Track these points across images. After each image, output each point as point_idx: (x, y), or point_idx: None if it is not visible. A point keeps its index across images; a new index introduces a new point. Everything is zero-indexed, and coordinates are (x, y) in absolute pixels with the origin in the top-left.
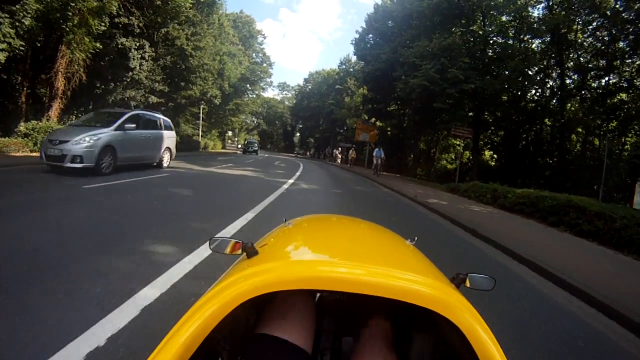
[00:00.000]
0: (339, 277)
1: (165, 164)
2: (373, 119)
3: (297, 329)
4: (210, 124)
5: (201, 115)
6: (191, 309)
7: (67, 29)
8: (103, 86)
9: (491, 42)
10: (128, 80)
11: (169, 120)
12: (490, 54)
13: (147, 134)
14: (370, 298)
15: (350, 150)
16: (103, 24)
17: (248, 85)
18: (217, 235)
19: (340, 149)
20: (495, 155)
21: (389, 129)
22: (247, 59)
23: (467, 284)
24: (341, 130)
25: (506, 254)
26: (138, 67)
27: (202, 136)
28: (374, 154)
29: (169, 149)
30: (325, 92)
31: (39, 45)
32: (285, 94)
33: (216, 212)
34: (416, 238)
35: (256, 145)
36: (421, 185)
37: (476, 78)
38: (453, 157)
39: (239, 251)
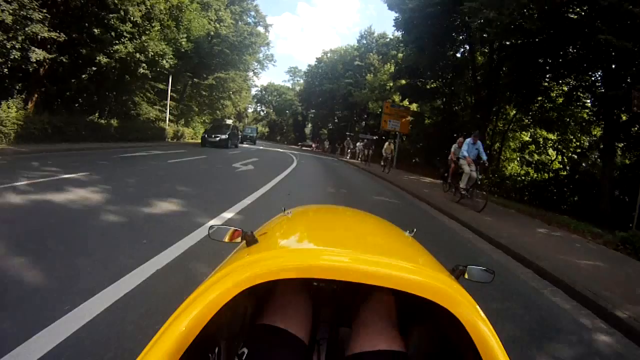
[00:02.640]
0: (339, 266)
1: None
2: (406, 102)
3: (295, 319)
4: (188, 107)
5: (169, 92)
6: (191, 296)
7: None
8: None
9: None
10: None
11: None
12: None
13: None
14: (367, 288)
15: (388, 143)
16: None
17: (235, 55)
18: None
19: (365, 141)
20: None
21: (427, 116)
22: (230, 15)
23: (466, 276)
24: (362, 118)
25: None
26: None
27: (173, 122)
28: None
29: None
30: (341, 72)
31: None
32: (297, 80)
33: None
34: (415, 230)
35: (254, 132)
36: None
37: None
38: (530, 157)
39: (239, 239)
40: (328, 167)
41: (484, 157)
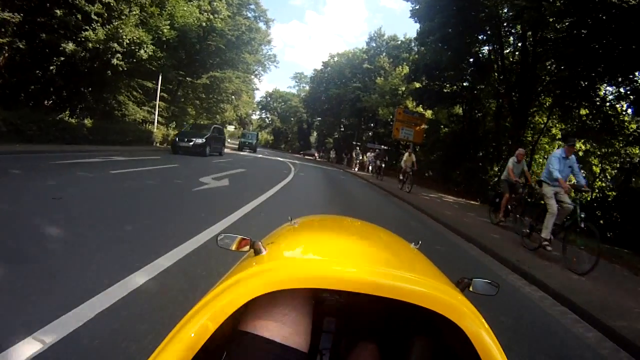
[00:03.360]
0: (347, 278)
1: None
2: (420, 108)
3: (288, 328)
4: (183, 109)
5: (158, 92)
6: (198, 304)
7: None
8: None
9: None
10: None
11: None
12: None
13: None
14: (371, 299)
15: (408, 154)
16: None
17: (233, 53)
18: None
19: (377, 151)
20: None
21: (444, 123)
22: (225, 6)
23: (471, 288)
24: (370, 126)
25: None
26: None
27: (164, 125)
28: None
29: None
30: (349, 77)
31: None
32: (303, 86)
33: None
34: (420, 242)
35: (253, 139)
36: None
37: None
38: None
39: (246, 248)
40: (332, 181)
41: (582, 180)
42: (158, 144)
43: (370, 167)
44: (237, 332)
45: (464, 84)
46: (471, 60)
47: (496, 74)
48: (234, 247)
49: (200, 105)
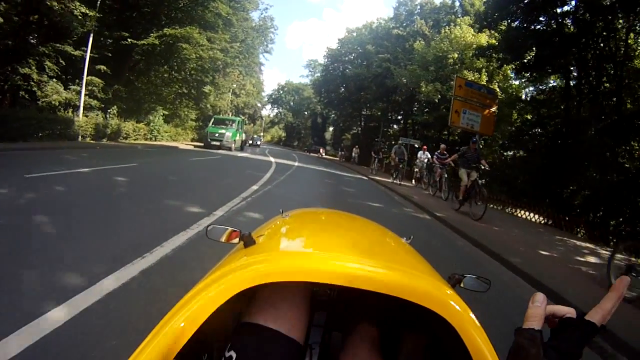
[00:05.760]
0: (338, 271)
1: None
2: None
3: (290, 320)
4: (141, 91)
5: (87, 62)
6: (187, 296)
7: None
8: None
9: None
10: None
11: None
12: None
13: None
14: (362, 293)
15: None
16: None
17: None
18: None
19: (401, 147)
20: None
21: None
22: None
23: (462, 284)
24: (401, 113)
25: None
26: None
27: (97, 109)
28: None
29: None
30: (373, 52)
31: None
32: (317, 75)
33: None
34: (412, 237)
35: (233, 126)
36: None
37: None
38: None
39: (236, 240)
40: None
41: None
42: (90, 140)
43: (421, 175)
44: (242, 324)
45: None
46: None
47: None
48: (223, 239)
49: (164, 84)
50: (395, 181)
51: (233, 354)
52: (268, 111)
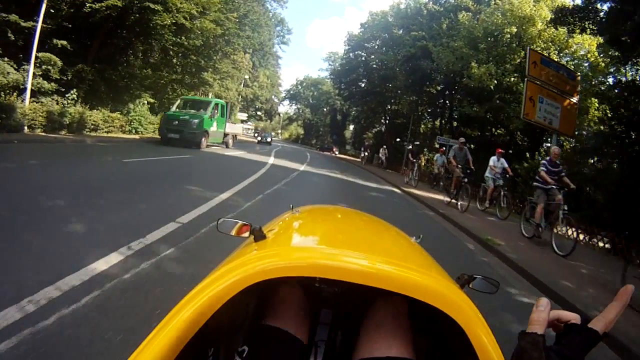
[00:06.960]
0: (348, 267)
1: None
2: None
3: (295, 319)
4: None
5: (38, 32)
6: (196, 288)
7: None
8: None
9: None
10: None
11: None
12: None
13: None
14: (369, 291)
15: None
16: None
17: None
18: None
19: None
20: None
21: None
22: None
23: (471, 285)
24: (444, 103)
25: None
26: None
27: (52, 93)
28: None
29: None
30: (401, 35)
31: None
32: (337, 67)
33: None
34: (421, 236)
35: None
36: None
37: None
38: None
39: (246, 234)
40: None
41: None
42: (40, 131)
43: (492, 195)
44: (253, 324)
45: None
46: None
47: None
48: (234, 233)
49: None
50: (452, 201)
51: (246, 347)
52: (286, 107)
